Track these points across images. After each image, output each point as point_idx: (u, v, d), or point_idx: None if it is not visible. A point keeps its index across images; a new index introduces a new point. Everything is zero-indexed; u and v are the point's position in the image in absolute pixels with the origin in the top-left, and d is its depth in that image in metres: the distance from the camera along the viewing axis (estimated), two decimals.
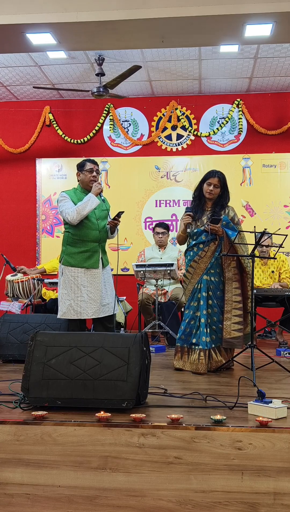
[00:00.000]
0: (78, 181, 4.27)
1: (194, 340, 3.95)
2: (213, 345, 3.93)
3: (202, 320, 3.92)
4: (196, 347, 3.91)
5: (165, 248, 6.06)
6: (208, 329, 3.92)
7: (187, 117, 7.47)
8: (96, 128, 7.56)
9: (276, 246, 4.23)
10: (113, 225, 4.23)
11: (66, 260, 4.10)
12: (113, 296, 4.25)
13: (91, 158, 4.39)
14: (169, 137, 7.54)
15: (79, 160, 4.39)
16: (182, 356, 3.99)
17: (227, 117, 7.39)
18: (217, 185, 4.01)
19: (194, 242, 4.06)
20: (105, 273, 4.20)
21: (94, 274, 4.09)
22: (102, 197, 4.22)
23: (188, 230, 4.08)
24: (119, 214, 4.22)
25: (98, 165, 4.29)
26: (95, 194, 4.11)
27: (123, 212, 4.28)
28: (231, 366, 4.02)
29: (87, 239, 4.10)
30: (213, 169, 4.14)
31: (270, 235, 4.43)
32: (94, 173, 4.20)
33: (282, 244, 4.07)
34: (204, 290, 3.96)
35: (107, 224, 4.26)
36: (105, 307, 4.13)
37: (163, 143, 7.53)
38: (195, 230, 4.06)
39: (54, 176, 7.64)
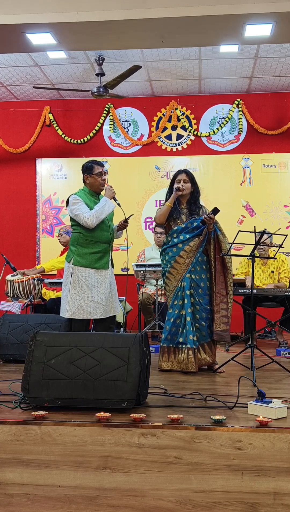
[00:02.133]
0: (86, 184, 4.21)
1: (181, 339, 3.93)
2: (198, 344, 3.93)
3: (188, 318, 3.91)
4: (184, 346, 3.90)
5: None
6: (194, 327, 3.92)
7: (187, 117, 7.47)
8: (96, 128, 7.56)
9: (276, 246, 4.24)
10: (123, 228, 4.27)
11: (77, 261, 4.05)
12: (117, 296, 4.26)
13: (96, 159, 4.33)
14: (169, 137, 7.54)
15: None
16: (169, 357, 3.96)
17: (227, 117, 7.39)
18: (186, 180, 4.09)
19: (176, 240, 4.05)
20: (111, 273, 4.21)
21: (104, 275, 4.09)
22: (117, 201, 4.21)
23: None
24: (127, 219, 4.26)
25: (104, 166, 4.26)
26: (110, 198, 4.12)
27: (132, 215, 4.33)
28: (215, 363, 4.01)
29: (100, 240, 4.10)
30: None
31: (270, 235, 4.44)
32: (104, 176, 4.19)
33: (282, 244, 4.08)
34: (187, 288, 3.95)
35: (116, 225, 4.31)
36: (110, 307, 4.13)
37: (163, 143, 7.53)
38: (175, 228, 4.08)
39: (54, 176, 7.64)
